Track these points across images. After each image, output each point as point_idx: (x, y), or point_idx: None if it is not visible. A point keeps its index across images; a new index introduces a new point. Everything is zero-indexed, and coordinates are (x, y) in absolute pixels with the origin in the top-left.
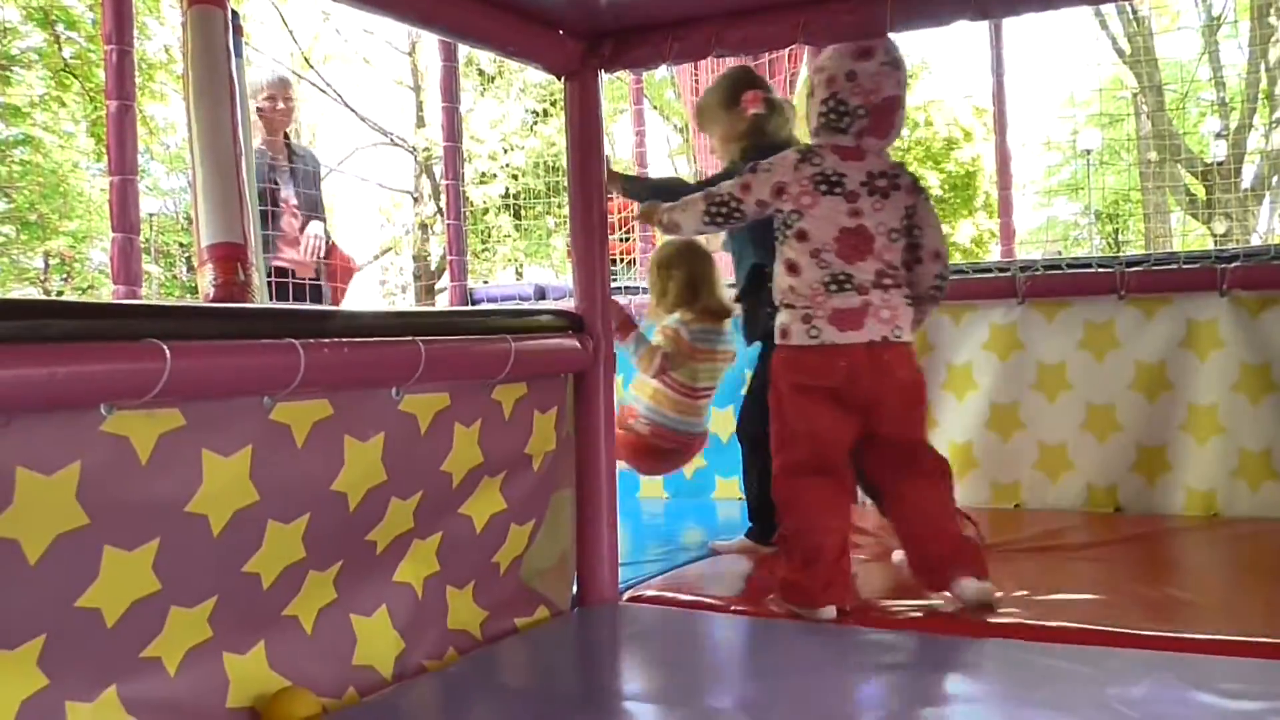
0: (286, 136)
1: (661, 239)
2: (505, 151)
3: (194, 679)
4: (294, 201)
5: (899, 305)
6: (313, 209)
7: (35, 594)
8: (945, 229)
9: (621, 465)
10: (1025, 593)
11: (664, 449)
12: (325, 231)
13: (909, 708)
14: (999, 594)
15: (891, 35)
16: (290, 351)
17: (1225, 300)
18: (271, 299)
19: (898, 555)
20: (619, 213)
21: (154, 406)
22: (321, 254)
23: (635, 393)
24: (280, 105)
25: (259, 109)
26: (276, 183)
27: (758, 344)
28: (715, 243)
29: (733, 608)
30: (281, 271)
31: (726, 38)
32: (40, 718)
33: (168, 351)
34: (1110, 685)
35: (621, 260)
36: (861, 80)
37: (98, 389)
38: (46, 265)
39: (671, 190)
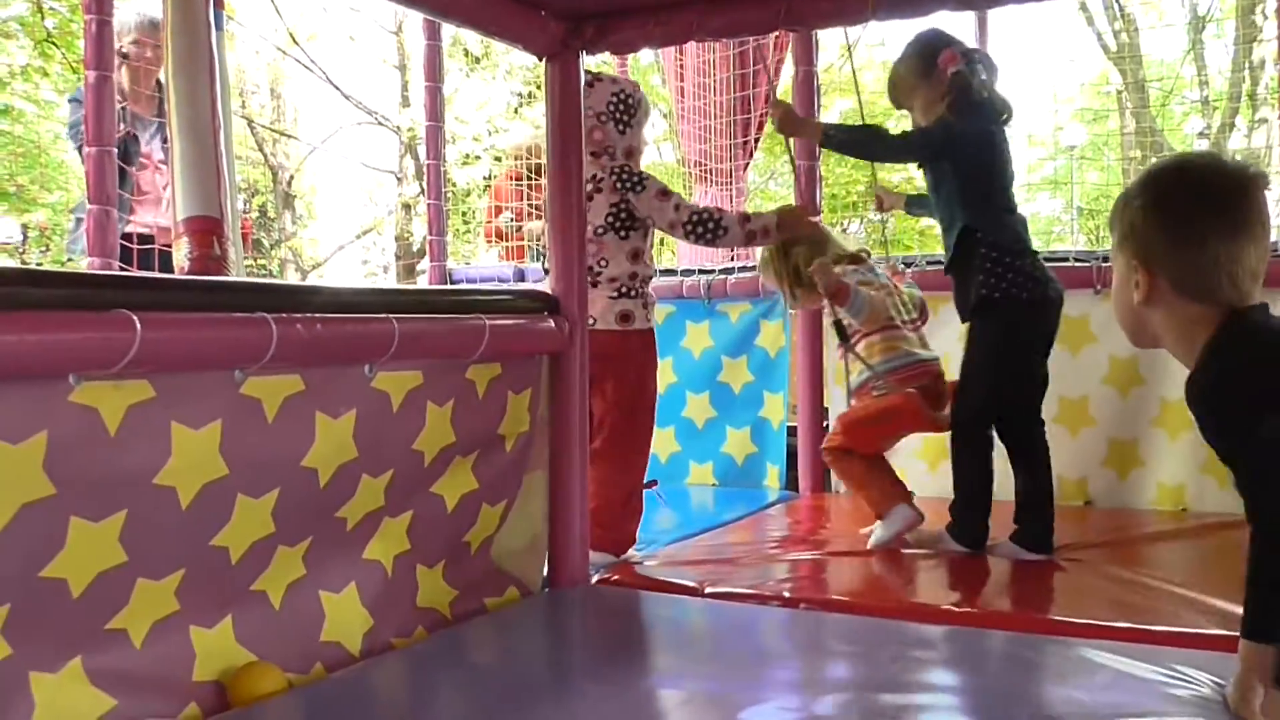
0: (158, 84)
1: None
2: (490, 134)
3: (160, 652)
4: (158, 156)
5: (597, 298)
6: None
7: (0, 563)
8: (928, 221)
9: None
10: (993, 583)
11: (924, 386)
12: None
13: (875, 691)
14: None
15: (874, 23)
16: (262, 326)
17: None
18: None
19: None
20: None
21: (123, 377)
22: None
23: (857, 369)
24: (149, 52)
25: (124, 53)
26: (136, 135)
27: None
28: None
29: (706, 590)
30: (142, 239)
31: (709, 23)
32: (3, 687)
33: (138, 322)
34: (1074, 676)
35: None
36: None
37: (66, 359)
38: (25, 237)
39: (868, 139)
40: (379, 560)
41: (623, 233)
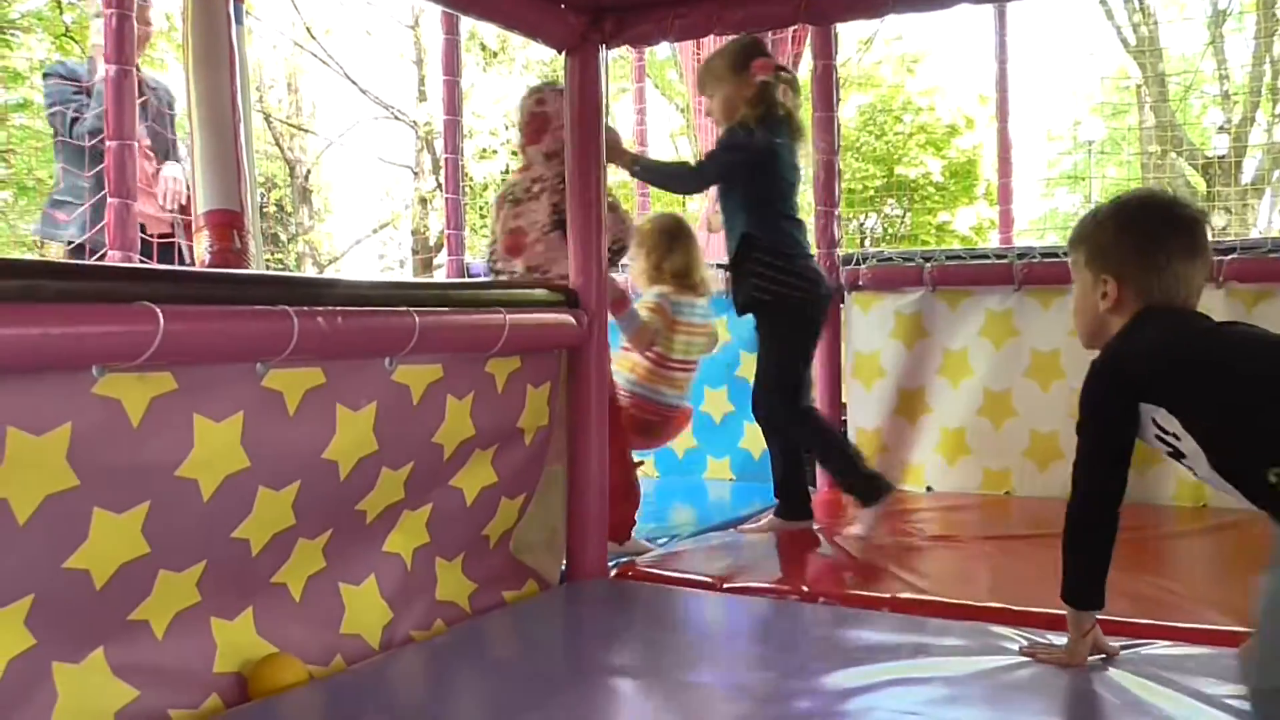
0: (138, 67)
1: (654, 210)
2: (506, 128)
3: (181, 643)
4: (146, 141)
5: None
6: (167, 151)
7: (24, 554)
8: (945, 215)
9: None
10: (1015, 579)
11: (648, 421)
12: (183, 175)
13: (893, 686)
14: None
15: (894, 16)
16: (284, 318)
17: (1221, 292)
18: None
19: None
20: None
21: (146, 370)
22: (181, 202)
23: (615, 367)
24: (139, 28)
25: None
26: None
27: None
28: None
29: (723, 586)
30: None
31: (728, 16)
32: (27, 677)
33: (161, 315)
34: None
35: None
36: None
37: (90, 351)
38: None
39: (670, 174)
40: (399, 553)
41: (550, 230)
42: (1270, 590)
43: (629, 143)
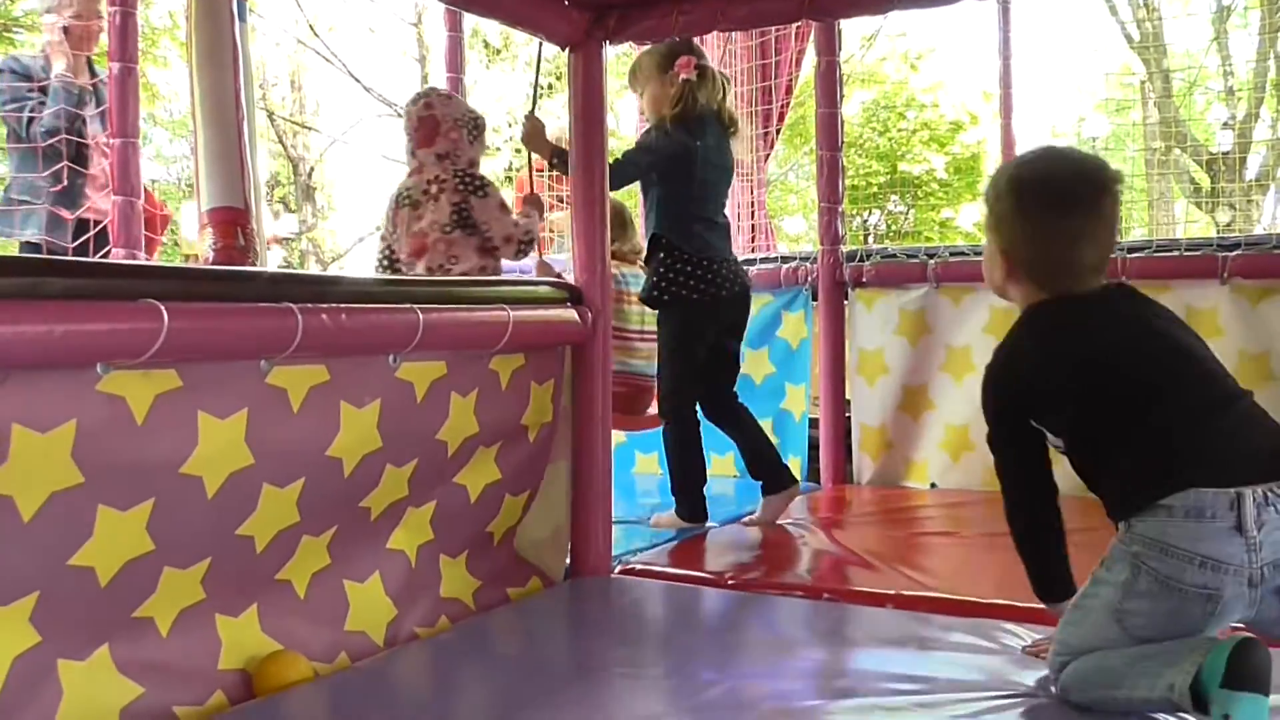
0: (90, 60)
1: None
2: (509, 125)
3: (186, 640)
4: (103, 138)
5: None
6: None
7: (29, 551)
8: (949, 212)
9: None
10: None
11: (617, 394)
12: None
13: (897, 682)
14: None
15: (898, 12)
16: (288, 316)
17: (1226, 288)
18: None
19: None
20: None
21: (151, 367)
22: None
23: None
24: (94, 24)
25: (65, 28)
26: (84, 118)
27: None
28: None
29: (727, 582)
30: (86, 225)
31: (732, 12)
32: (32, 674)
33: (165, 312)
34: None
35: None
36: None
37: (95, 348)
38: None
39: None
40: (403, 550)
41: (470, 230)
42: (1098, 607)
43: (555, 135)
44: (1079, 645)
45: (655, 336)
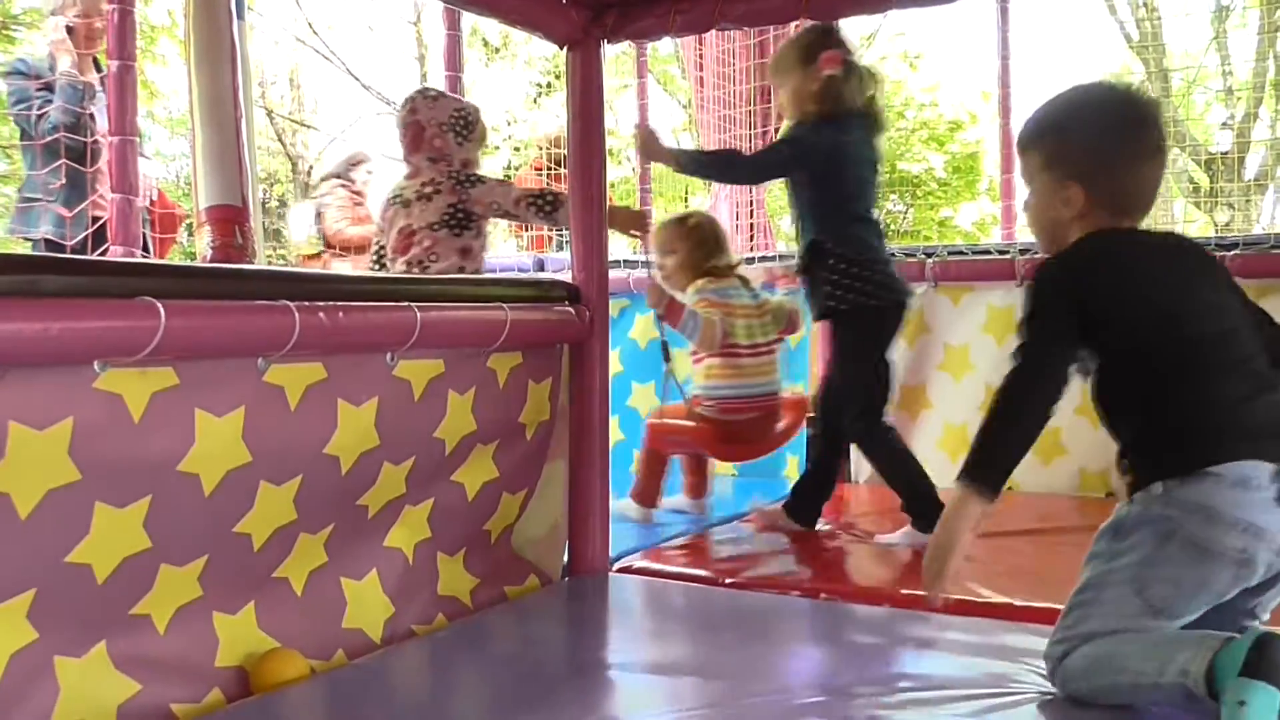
0: (96, 59)
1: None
2: (509, 124)
3: (183, 637)
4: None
5: None
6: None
7: (26, 548)
8: (947, 211)
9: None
10: (1015, 574)
11: (741, 422)
12: (151, 174)
13: (895, 681)
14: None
15: (897, 11)
16: (285, 314)
17: None
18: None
19: (881, 538)
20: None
21: (147, 365)
22: (150, 199)
23: (676, 384)
24: (98, 22)
25: (69, 26)
26: (93, 114)
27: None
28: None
29: (725, 581)
30: (97, 223)
31: (730, 10)
32: (29, 671)
33: (162, 310)
34: None
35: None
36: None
37: (91, 346)
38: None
39: (723, 163)
40: (400, 548)
41: (456, 230)
42: (1115, 581)
43: (555, 134)
44: (1088, 630)
45: (764, 350)
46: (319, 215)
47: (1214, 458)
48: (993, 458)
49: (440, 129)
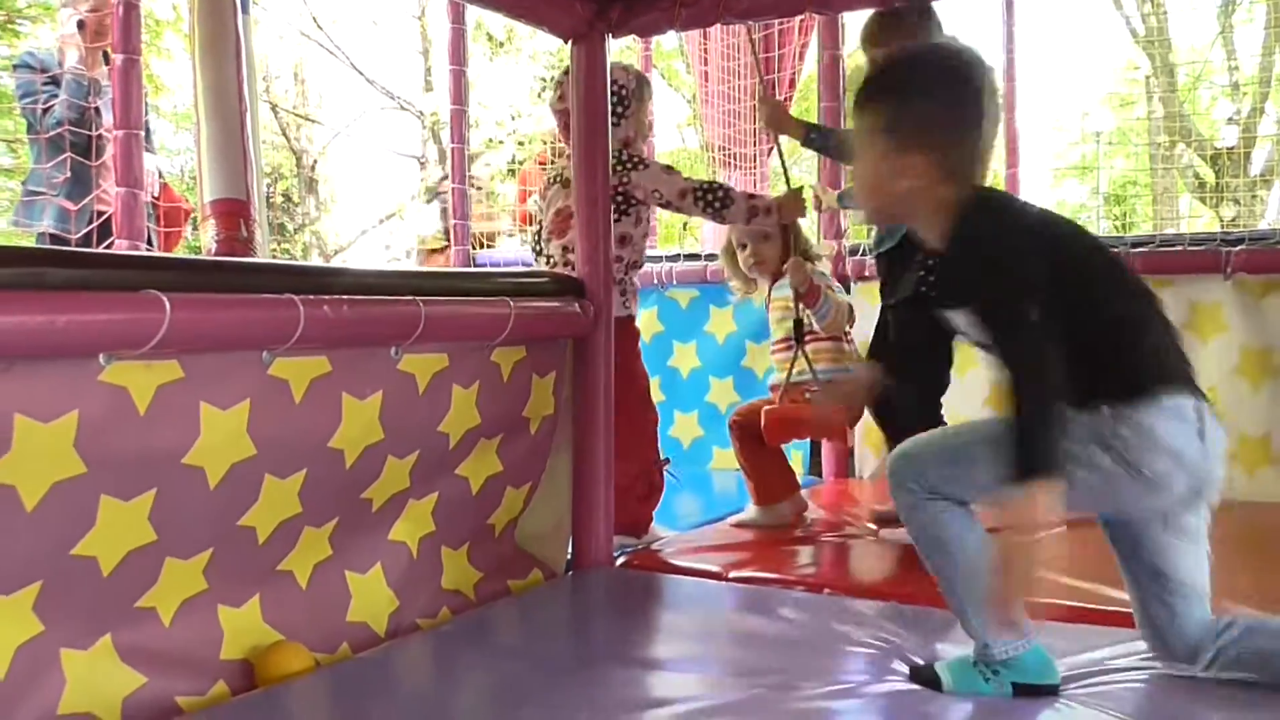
0: (106, 52)
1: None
2: (513, 118)
3: (188, 630)
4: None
5: None
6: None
7: (32, 540)
8: None
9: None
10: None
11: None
12: (156, 167)
13: (898, 676)
14: None
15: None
16: (290, 307)
17: (1229, 284)
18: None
19: (887, 532)
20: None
21: (153, 358)
22: (154, 193)
23: (800, 367)
24: (108, 19)
25: (80, 21)
26: (98, 109)
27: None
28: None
29: (729, 574)
30: (100, 217)
31: (735, 5)
32: (36, 663)
33: (167, 303)
34: (1098, 661)
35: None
36: None
37: (97, 338)
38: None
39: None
40: (404, 541)
41: (614, 215)
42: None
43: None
44: (957, 492)
45: (850, 337)
46: (444, 212)
47: (1158, 390)
48: (1051, 452)
49: None
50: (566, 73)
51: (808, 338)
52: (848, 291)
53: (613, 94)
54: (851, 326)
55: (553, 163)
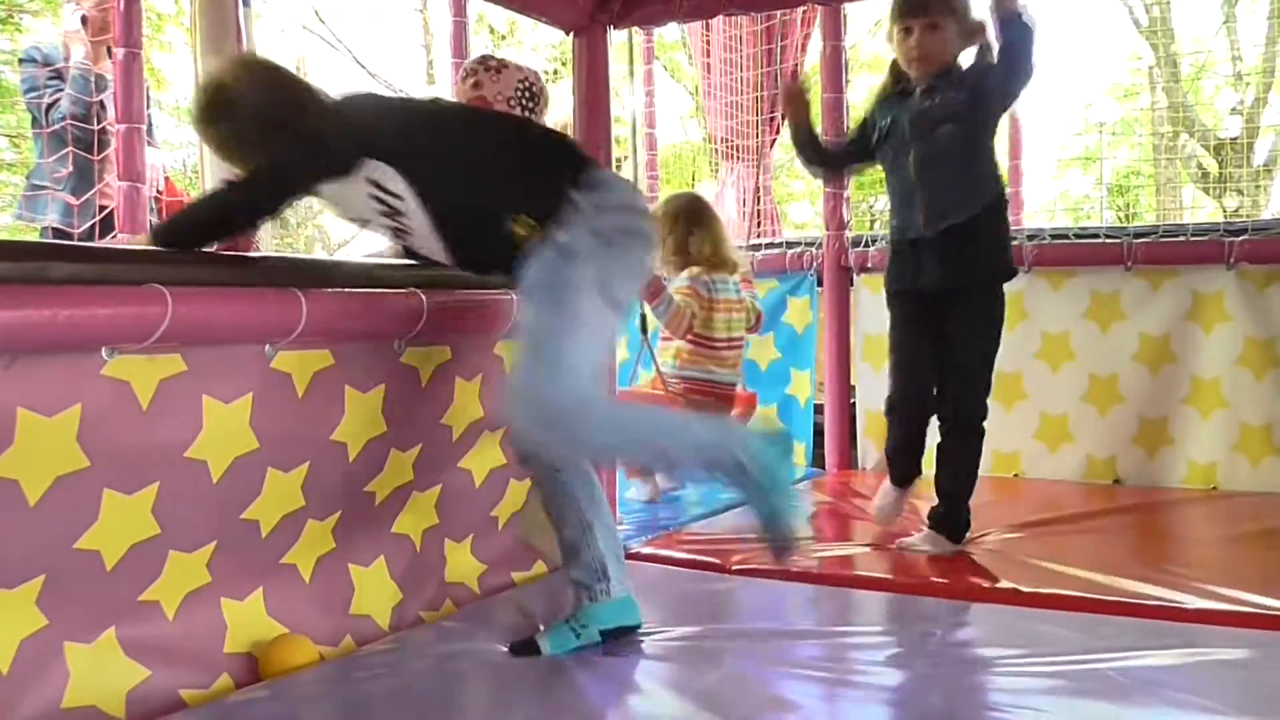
0: (110, 48)
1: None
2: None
3: (192, 623)
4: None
5: None
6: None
7: (35, 534)
8: None
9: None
10: (1021, 560)
11: (700, 405)
12: (160, 163)
13: (900, 667)
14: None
15: None
16: (292, 300)
17: (1232, 274)
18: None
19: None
20: None
21: (155, 351)
22: (157, 188)
23: (660, 358)
24: (111, 9)
25: (84, 16)
26: (103, 103)
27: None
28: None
29: (732, 567)
30: (104, 212)
31: None
32: (39, 657)
33: (169, 297)
34: (1103, 651)
35: None
36: None
37: (99, 332)
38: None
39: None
40: (408, 534)
41: None
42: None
43: (562, 122)
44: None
45: (739, 345)
46: None
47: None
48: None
49: (508, 105)
50: (482, 63)
51: (689, 338)
52: (850, 284)
53: (526, 90)
54: (687, 334)
55: None
